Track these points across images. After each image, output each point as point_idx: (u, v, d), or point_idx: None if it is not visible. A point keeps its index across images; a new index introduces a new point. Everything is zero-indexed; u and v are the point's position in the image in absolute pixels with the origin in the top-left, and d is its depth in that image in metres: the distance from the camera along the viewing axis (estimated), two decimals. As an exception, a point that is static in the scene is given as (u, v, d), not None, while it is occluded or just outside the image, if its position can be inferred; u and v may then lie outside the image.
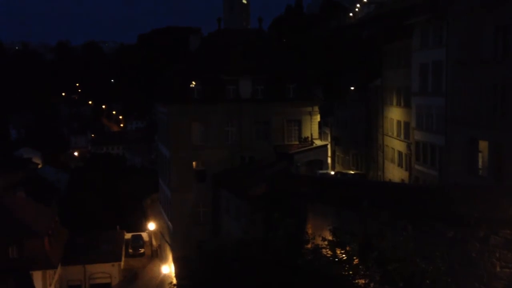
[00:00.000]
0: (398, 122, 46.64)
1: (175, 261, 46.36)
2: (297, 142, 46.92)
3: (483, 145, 31.79)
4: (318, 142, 48.51)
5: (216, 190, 44.54)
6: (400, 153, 46.20)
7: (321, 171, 43.59)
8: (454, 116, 34.60)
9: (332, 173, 49.13)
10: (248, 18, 57.23)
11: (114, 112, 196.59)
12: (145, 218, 67.77)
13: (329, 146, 58.20)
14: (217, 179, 44.71)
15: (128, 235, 62.89)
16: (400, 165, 46.20)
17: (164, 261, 53.12)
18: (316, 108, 48.37)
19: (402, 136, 45.52)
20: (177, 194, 46.49)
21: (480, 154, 32.24)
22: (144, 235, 64.39)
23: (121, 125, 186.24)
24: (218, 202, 44.36)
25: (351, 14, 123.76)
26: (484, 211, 18.68)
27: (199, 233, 42.31)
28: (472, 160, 32.47)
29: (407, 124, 44.15)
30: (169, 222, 49.89)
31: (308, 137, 47.31)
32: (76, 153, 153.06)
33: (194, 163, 46.59)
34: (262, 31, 55.94)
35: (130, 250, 60.36)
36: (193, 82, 46.53)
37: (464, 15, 33.35)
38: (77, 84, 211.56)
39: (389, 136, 49.04)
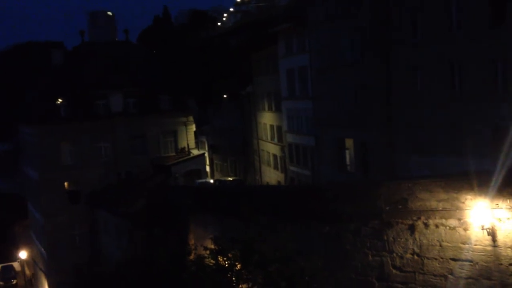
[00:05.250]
0: (271, 127, 48.14)
1: (53, 289, 43.64)
2: (174, 154, 46.56)
3: (349, 143, 33.87)
4: (195, 152, 48.53)
5: (93, 210, 42.69)
6: (275, 156, 47.69)
7: (199, 180, 43.62)
8: (321, 117, 36.48)
9: (212, 181, 49.36)
10: (114, 30, 55.35)
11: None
12: (15, 247, 62.91)
13: (206, 155, 58.42)
14: (93, 199, 42.88)
15: (-4, 267, 58.04)
16: (276, 167, 47.67)
17: (41, 291, 49.72)
18: (191, 118, 48.39)
19: (276, 140, 47.04)
20: (49, 219, 43.77)
21: (347, 152, 34.31)
22: (16, 264, 59.82)
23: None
24: (96, 222, 42.53)
25: (219, 24, 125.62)
26: (355, 205, 19.80)
27: (76, 257, 40.28)
28: (340, 158, 34.46)
29: (279, 128, 45.72)
30: (42, 249, 46.82)
31: (184, 148, 47.16)
32: None
33: (66, 184, 44.24)
34: (130, 43, 54.81)
35: (1, 283, 55.71)
36: (59, 100, 44.24)
37: (323, 23, 35.34)
38: None
39: (264, 141, 50.43)
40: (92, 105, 45.06)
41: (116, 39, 53.90)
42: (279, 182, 46.07)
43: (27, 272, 57.59)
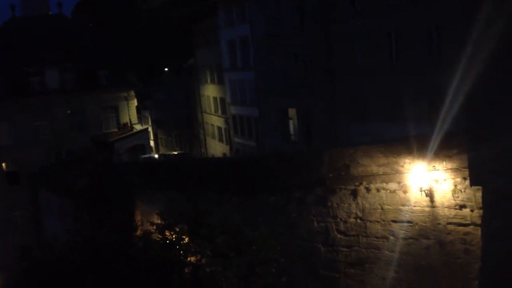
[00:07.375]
0: (215, 99, 47.85)
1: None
2: (116, 130, 45.61)
3: (292, 112, 34.17)
4: (138, 127, 47.75)
5: (34, 190, 41.37)
6: (219, 128, 47.59)
7: (144, 156, 43.07)
8: (263, 88, 36.53)
9: (156, 156, 48.82)
10: (47, 3, 52.94)
11: None
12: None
13: (150, 130, 57.61)
14: (34, 179, 41.47)
15: None
16: (220, 140, 47.64)
17: (-17, 277, 48.11)
18: (132, 93, 47.39)
19: (219, 112, 46.86)
20: (-13, 202, 42.18)
21: (291, 121, 34.65)
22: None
23: None
24: (38, 203, 41.29)
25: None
26: (299, 174, 20.12)
27: (19, 239, 39.18)
28: (284, 128, 34.78)
29: (223, 100, 45.52)
30: (-18, 234, 45.16)
31: (127, 123, 46.26)
32: None
33: (3, 165, 42.66)
34: (65, 16, 52.62)
35: None
36: (-9, 78, 42.24)
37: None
38: None
39: (208, 113, 50.15)
40: (27, 82, 43.30)
41: (50, 12, 51.66)
42: (224, 154, 46.12)
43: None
